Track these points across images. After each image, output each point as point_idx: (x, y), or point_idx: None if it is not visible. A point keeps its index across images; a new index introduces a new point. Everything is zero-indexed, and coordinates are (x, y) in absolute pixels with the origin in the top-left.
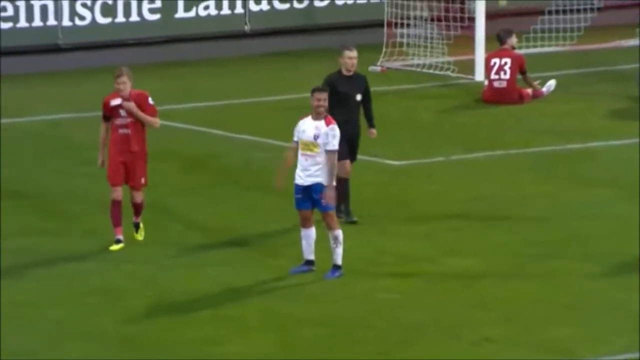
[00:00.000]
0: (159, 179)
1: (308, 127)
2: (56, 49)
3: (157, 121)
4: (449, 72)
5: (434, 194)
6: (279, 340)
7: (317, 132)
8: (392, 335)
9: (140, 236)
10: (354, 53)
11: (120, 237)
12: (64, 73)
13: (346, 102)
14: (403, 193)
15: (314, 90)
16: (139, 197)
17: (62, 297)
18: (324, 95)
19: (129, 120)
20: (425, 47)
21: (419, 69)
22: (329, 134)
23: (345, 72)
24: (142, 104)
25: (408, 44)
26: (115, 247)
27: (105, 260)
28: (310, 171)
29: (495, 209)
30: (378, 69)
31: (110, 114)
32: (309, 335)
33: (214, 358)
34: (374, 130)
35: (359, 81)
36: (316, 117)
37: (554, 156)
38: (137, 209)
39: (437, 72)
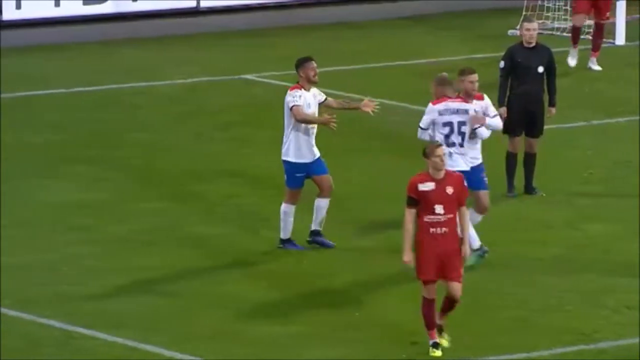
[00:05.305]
0: None
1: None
2: (194, 12)
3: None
4: (589, 36)
5: (574, 160)
6: (416, 306)
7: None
8: (531, 301)
9: (445, 342)
10: (532, 25)
11: (437, 340)
12: (201, 36)
13: (526, 74)
14: (543, 158)
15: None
16: (457, 290)
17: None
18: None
19: (446, 217)
20: (566, 10)
21: (558, 33)
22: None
23: (525, 44)
24: (460, 191)
25: (548, 8)
26: (435, 352)
27: (242, 228)
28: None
29: (636, 175)
30: (517, 32)
31: (418, 199)
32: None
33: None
34: (552, 109)
35: (542, 53)
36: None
37: None
38: (451, 305)
39: None
